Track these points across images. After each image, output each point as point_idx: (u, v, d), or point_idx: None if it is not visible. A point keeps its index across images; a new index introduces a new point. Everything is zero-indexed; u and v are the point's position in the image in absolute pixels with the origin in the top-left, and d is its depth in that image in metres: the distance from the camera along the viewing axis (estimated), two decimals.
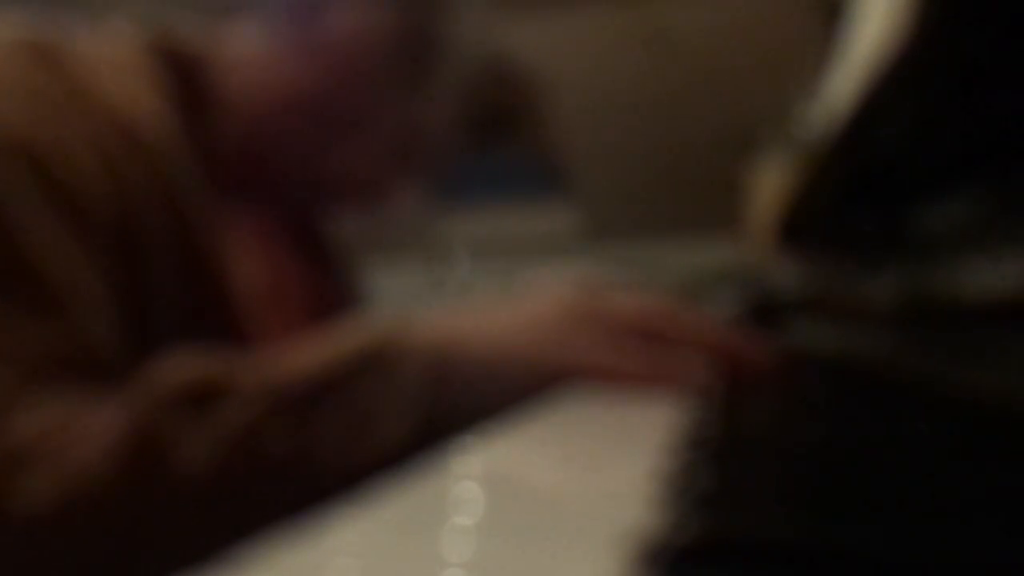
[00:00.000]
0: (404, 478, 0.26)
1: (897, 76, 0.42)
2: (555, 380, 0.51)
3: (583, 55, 2.10)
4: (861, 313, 0.63)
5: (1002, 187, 0.43)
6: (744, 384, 0.52)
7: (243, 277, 0.69)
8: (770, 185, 1.20)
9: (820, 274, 0.83)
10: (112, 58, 0.66)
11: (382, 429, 0.51)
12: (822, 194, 0.69)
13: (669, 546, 0.19)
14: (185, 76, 0.69)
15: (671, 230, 2.25)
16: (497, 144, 0.86)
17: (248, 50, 0.73)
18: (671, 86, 2.12)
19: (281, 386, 0.51)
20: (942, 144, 0.48)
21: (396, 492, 0.25)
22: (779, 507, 0.24)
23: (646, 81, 2.13)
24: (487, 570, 0.19)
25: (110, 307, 0.58)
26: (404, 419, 0.51)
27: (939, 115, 0.45)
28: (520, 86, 0.84)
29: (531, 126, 0.87)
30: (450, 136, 0.78)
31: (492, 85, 0.79)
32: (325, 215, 0.82)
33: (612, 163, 2.24)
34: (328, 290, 0.81)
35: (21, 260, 0.55)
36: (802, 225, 0.85)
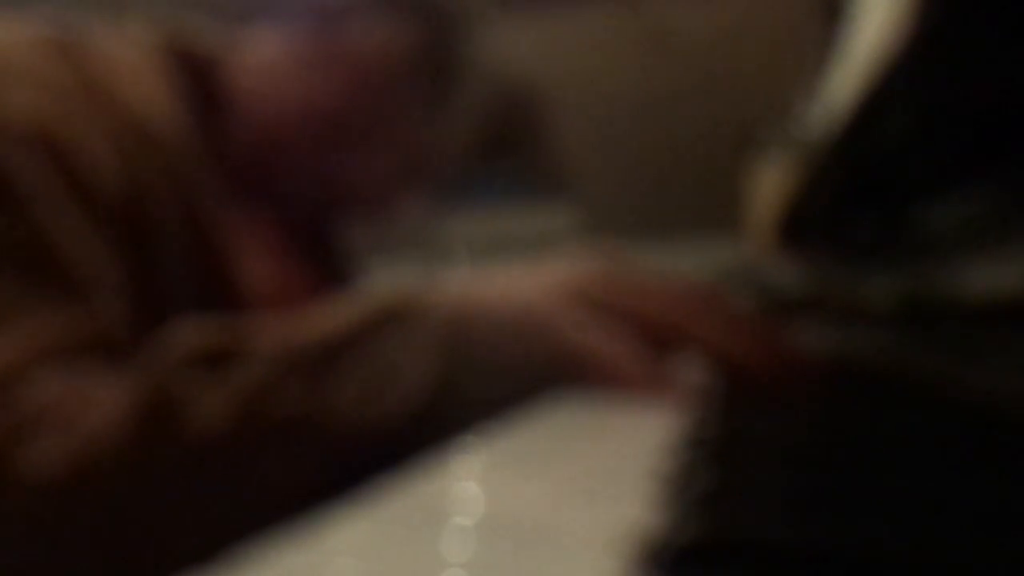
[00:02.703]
0: (404, 478, 0.26)
1: (897, 76, 0.42)
2: (556, 356, 0.50)
3: (583, 55, 2.10)
4: (861, 313, 0.63)
5: (1002, 187, 0.43)
6: (743, 383, 0.51)
7: (250, 276, 0.69)
8: (770, 185, 1.20)
9: (820, 274, 0.83)
10: (127, 57, 0.67)
11: (401, 386, 0.50)
12: (822, 194, 0.69)
13: (669, 546, 0.19)
14: (198, 78, 0.70)
15: (671, 230, 2.25)
16: (500, 157, 0.86)
17: (264, 56, 0.74)
18: (671, 86, 2.12)
19: (297, 345, 0.50)
20: (942, 144, 0.48)
21: (396, 492, 0.25)
22: (779, 507, 0.24)
23: (646, 81, 2.13)
24: (487, 570, 0.19)
25: (122, 296, 0.59)
26: (423, 376, 0.50)
27: (939, 115, 0.45)
28: (527, 105, 0.84)
29: (534, 139, 0.87)
30: (461, 152, 0.78)
31: (502, 105, 0.79)
32: (332, 222, 0.82)
33: (612, 163, 2.24)
34: (331, 292, 0.82)
35: (42, 245, 0.56)
36: (802, 225, 0.85)
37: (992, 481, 0.26)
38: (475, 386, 0.50)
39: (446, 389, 0.50)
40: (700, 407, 0.43)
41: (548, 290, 0.52)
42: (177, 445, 0.48)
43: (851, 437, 0.36)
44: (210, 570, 0.19)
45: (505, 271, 0.55)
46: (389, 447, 0.48)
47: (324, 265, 0.82)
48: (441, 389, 0.50)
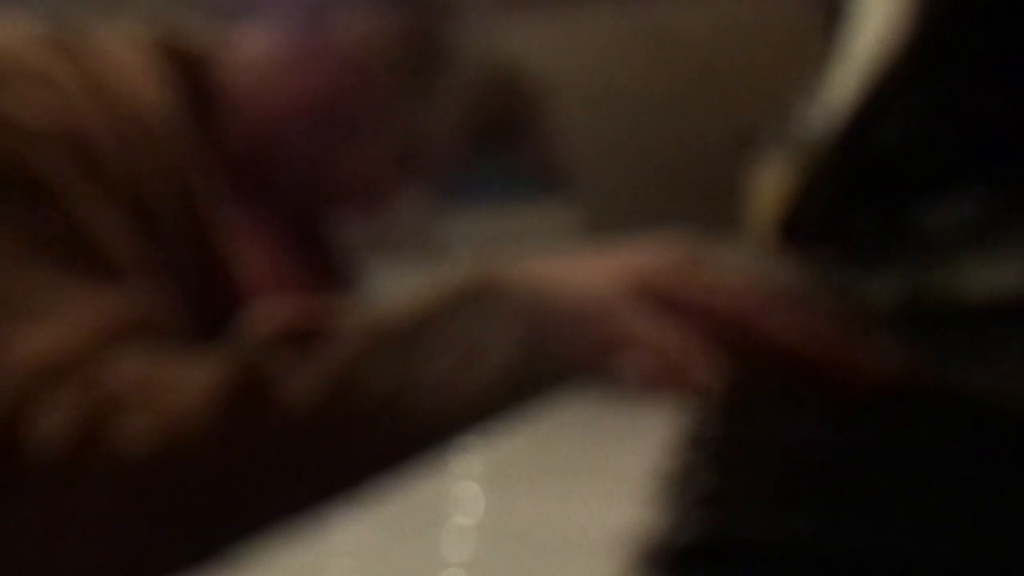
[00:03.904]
0: (404, 478, 0.26)
1: (897, 76, 0.42)
2: (605, 344, 0.49)
3: (583, 55, 2.10)
4: (861, 313, 0.63)
5: (1002, 187, 0.43)
6: (741, 383, 0.51)
7: (247, 272, 0.70)
8: (770, 185, 1.20)
9: (820, 274, 0.83)
10: (124, 55, 0.68)
11: (485, 363, 0.50)
12: (822, 194, 0.69)
13: (669, 546, 0.19)
14: (191, 75, 0.70)
15: (671, 230, 2.25)
16: (500, 150, 0.86)
17: (255, 53, 0.74)
18: (671, 86, 2.12)
19: (381, 325, 0.51)
20: (942, 144, 0.48)
21: (396, 492, 0.25)
22: (779, 507, 0.24)
23: (646, 81, 2.13)
24: (487, 570, 0.19)
25: (160, 280, 0.61)
26: (509, 349, 0.50)
27: (939, 115, 0.45)
28: (524, 93, 0.84)
29: (534, 133, 0.87)
30: (454, 141, 0.78)
31: (496, 92, 0.79)
32: (328, 217, 0.82)
33: (612, 163, 2.24)
34: (329, 289, 0.82)
35: (81, 236, 0.57)
36: (802, 225, 0.85)
37: (993, 480, 0.26)
38: (550, 363, 0.50)
39: (527, 365, 0.50)
40: (700, 407, 0.43)
41: (614, 277, 0.51)
42: (268, 422, 0.49)
43: (851, 437, 0.36)
44: (210, 570, 0.19)
45: (580, 253, 0.55)
46: (475, 419, 0.48)
47: (321, 260, 0.82)
48: (524, 363, 0.50)
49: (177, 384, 0.50)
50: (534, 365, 0.50)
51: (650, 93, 2.16)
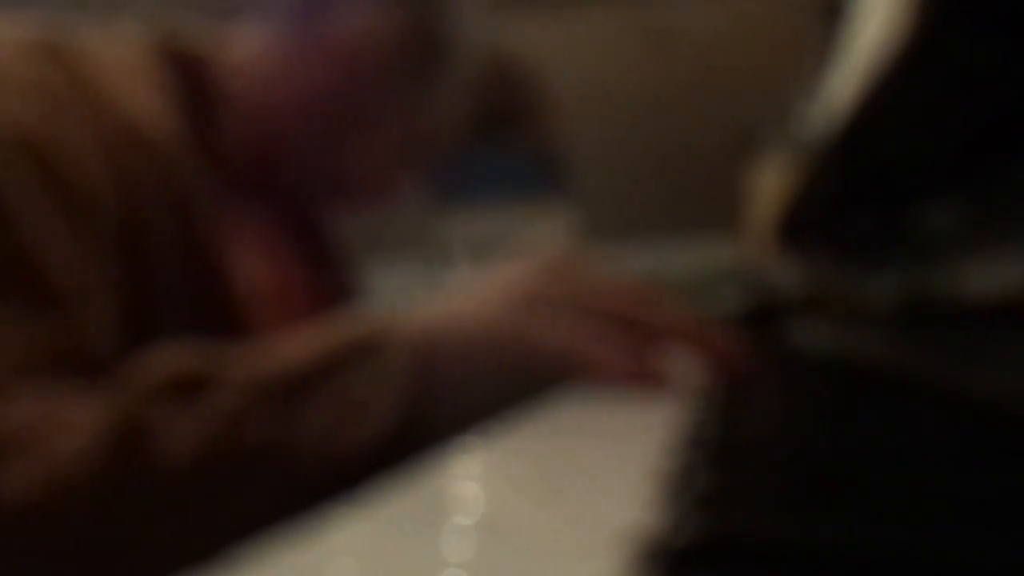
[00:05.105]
0: (404, 478, 0.26)
1: (897, 76, 0.42)
2: (533, 359, 0.51)
3: (583, 55, 2.10)
4: (861, 313, 0.63)
5: (1001, 187, 0.43)
6: (741, 383, 0.52)
7: (246, 277, 0.69)
8: (770, 185, 1.20)
9: (820, 274, 0.83)
10: (119, 59, 0.67)
11: (369, 418, 0.51)
12: (822, 194, 0.69)
13: (669, 546, 0.19)
14: (191, 77, 0.70)
15: (671, 230, 2.25)
16: (497, 142, 0.86)
17: (253, 51, 0.74)
18: (671, 86, 2.12)
19: (266, 376, 0.51)
20: (942, 144, 0.48)
21: (396, 492, 0.25)
22: (779, 507, 0.24)
23: (646, 81, 2.13)
24: (487, 570, 0.19)
25: (111, 306, 0.58)
26: (391, 408, 0.51)
27: (939, 115, 0.45)
28: (521, 84, 0.84)
29: (532, 125, 0.87)
30: (455, 134, 0.78)
31: (493, 84, 0.79)
32: (329, 215, 0.82)
33: (612, 163, 2.24)
34: (330, 291, 0.82)
35: (20, 255, 0.55)
36: (802, 225, 0.85)
37: (992, 480, 0.26)
38: (449, 409, 0.51)
39: (413, 420, 0.51)
40: (700, 407, 0.43)
41: (508, 297, 0.53)
42: (147, 472, 0.49)
43: (851, 437, 0.36)
44: (210, 570, 0.19)
45: (461, 287, 0.57)
46: (357, 475, 0.49)
47: (321, 264, 0.82)
48: (408, 420, 0.51)
49: (59, 429, 0.49)
50: (423, 417, 0.51)
51: (650, 93, 2.16)
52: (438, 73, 0.74)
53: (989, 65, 0.39)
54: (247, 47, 0.74)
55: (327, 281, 0.82)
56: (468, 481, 0.29)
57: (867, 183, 0.60)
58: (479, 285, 0.56)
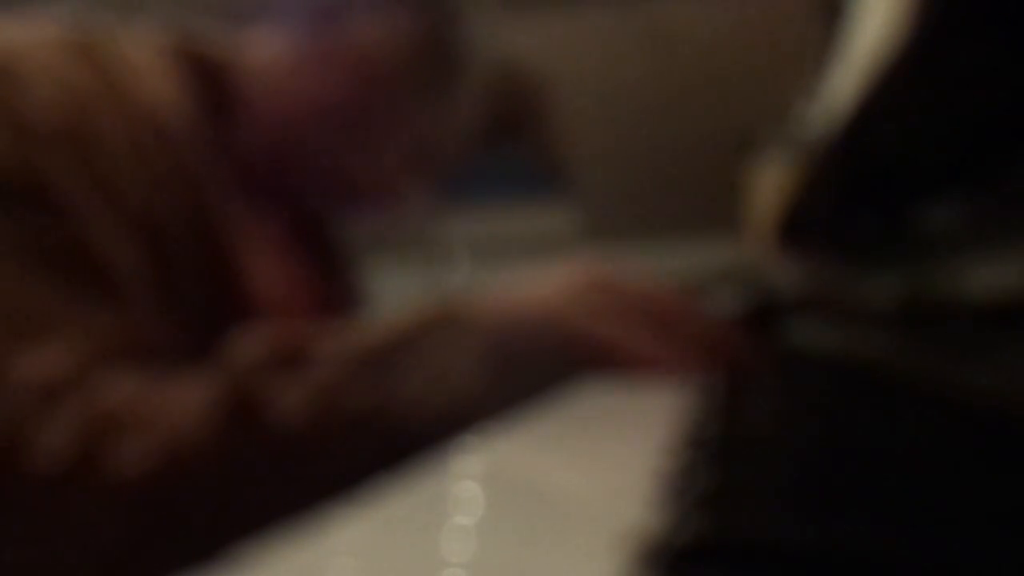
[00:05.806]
0: (404, 478, 0.26)
1: (897, 76, 0.42)
2: (576, 343, 0.57)
3: (583, 55, 2.10)
4: (861, 313, 0.63)
5: (1001, 187, 0.43)
6: (741, 382, 0.52)
7: (258, 275, 0.70)
8: (770, 185, 1.20)
9: (820, 274, 0.83)
10: (142, 58, 0.68)
11: (455, 383, 0.55)
12: (822, 194, 0.69)
13: (669, 546, 0.19)
14: (208, 80, 0.71)
15: (671, 230, 2.25)
16: (501, 146, 0.87)
17: (268, 56, 0.74)
18: (671, 86, 2.12)
19: (360, 349, 0.56)
20: (942, 144, 0.48)
21: (396, 492, 0.25)
22: (779, 507, 0.24)
23: (646, 81, 2.13)
24: (487, 570, 0.19)
25: (149, 297, 0.61)
26: (475, 374, 0.55)
27: (939, 115, 0.45)
28: (527, 91, 0.85)
29: (535, 129, 0.88)
30: (463, 144, 0.78)
31: (500, 94, 0.80)
32: (337, 219, 0.83)
33: (612, 163, 2.24)
34: (336, 293, 0.82)
35: (81, 247, 0.58)
36: (802, 225, 0.85)
37: (992, 481, 0.26)
38: (514, 379, 0.56)
39: (491, 385, 0.55)
40: (700, 407, 0.43)
41: (560, 288, 0.59)
42: (260, 439, 0.52)
43: (852, 437, 0.36)
44: (210, 570, 0.19)
45: (520, 279, 0.62)
46: (442, 434, 0.51)
47: (327, 266, 0.82)
48: (485, 383, 0.55)
49: (169, 404, 0.52)
50: (497, 384, 0.55)
51: (650, 93, 2.16)
52: (450, 82, 0.75)
53: (989, 65, 0.39)
54: (263, 52, 0.74)
55: (332, 283, 0.82)
56: (468, 481, 0.29)
57: (867, 183, 0.60)
58: (532, 279, 0.62)
